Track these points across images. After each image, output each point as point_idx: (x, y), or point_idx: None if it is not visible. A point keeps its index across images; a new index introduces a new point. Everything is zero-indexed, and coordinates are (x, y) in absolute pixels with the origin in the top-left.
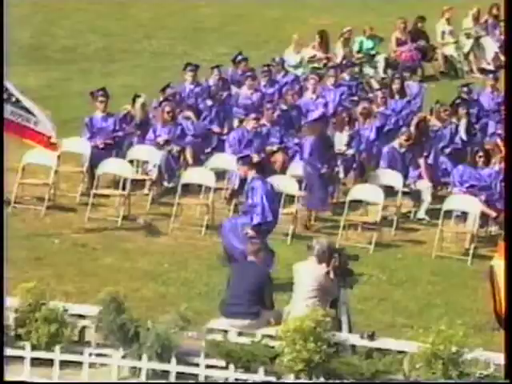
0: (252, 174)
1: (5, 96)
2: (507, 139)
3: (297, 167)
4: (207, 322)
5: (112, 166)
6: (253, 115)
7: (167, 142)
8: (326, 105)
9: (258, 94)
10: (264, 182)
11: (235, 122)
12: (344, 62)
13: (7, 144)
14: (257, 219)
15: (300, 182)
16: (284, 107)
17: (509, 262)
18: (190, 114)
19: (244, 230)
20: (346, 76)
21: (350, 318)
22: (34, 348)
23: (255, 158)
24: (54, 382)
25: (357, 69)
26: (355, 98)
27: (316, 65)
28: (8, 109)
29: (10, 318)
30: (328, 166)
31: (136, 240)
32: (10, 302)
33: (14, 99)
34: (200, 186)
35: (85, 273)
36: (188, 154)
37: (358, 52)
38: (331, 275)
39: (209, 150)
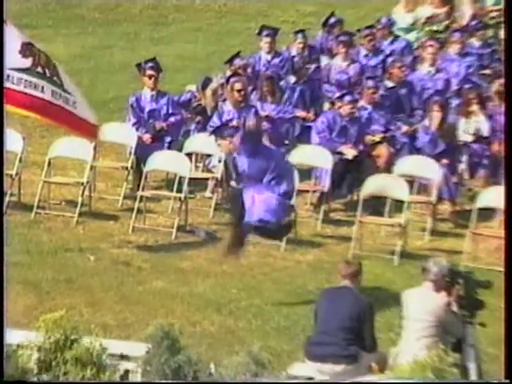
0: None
1: (39, 69)
2: (507, 137)
3: (407, 163)
4: (288, 366)
5: (164, 161)
6: (348, 97)
7: (237, 129)
8: (447, 81)
9: (355, 66)
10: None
11: (325, 104)
12: (473, 22)
13: (29, 132)
14: None
15: (411, 182)
16: (390, 84)
17: (509, 262)
18: (266, 92)
19: None
20: (475, 42)
21: (480, 366)
22: None
23: (351, 153)
24: (55, 382)
25: (491, 32)
26: (488, 72)
27: (435, 27)
28: (49, 88)
29: (31, 358)
30: (450, 162)
31: (195, 258)
32: (32, 337)
33: (48, 73)
34: None
35: (128, 300)
36: None
37: (493, 9)
38: (454, 308)
39: (290, 139)
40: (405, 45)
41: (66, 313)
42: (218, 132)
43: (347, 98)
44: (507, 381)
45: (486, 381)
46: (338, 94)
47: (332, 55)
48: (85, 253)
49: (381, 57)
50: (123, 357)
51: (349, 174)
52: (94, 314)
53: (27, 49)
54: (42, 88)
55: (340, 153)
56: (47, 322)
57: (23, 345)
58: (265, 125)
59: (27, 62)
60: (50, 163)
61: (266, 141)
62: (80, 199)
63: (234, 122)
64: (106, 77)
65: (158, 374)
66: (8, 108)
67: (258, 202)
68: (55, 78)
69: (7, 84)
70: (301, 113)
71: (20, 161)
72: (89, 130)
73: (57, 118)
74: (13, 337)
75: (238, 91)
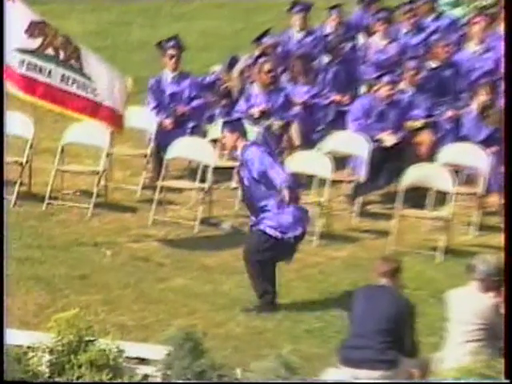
0: (243, 142)
1: (49, 51)
2: (507, 135)
3: (452, 151)
4: (320, 371)
5: (187, 149)
6: (387, 78)
7: (265, 115)
8: (497, 61)
9: (395, 45)
10: (260, 147)
11: (362, 87)
12: None
13: (41, 116)
14: None
15: (456, 172)
16: (434, 65)
17: (509, 261)
18: (297, 73)
19: None
20: None
21: None
22: None
23: (390, 140)
24: (55, 382)
25: None
26: None
27: (484, 2)
28: (58, 72)
29: (42, 361)
30: (500, 150)
31: (219, 253)
32: (43, 338)
33: (62, 56)
34: (310, 176)
35: (148, 298)
36: (294, 131)
37: None
38: (503, 310)
39: (323, 125)
40: (450, 21)
41: (79, 312)
42: (228, 124)
43: (386, 79)
44: (507, 381)
45: (486, 381)
46: (375, 75)
47: (370, 33)
48: (100, 247)
49: (423, 35)
50: (142, 360)
51: (387, 162)
52: (110, 314)
53: (37, 28)
54: (49, 72)
55: (378, 140)
56: (59, 321)
57: (34, 346)
58: (296, 109)
59: (34, 43)
60: (63, 150)
61: (296, 128)
62: (95, 189)
63: (263, 106)
64: (123, 56)
65: (180, 379)
66: (9, 89)
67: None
68: (72, 62)
69: (9, 63)
70: (335, 96)
71: (30, 147)
72: (110, 119)
73: (66, 104)
74: (23, 338)
75: (267, 72)
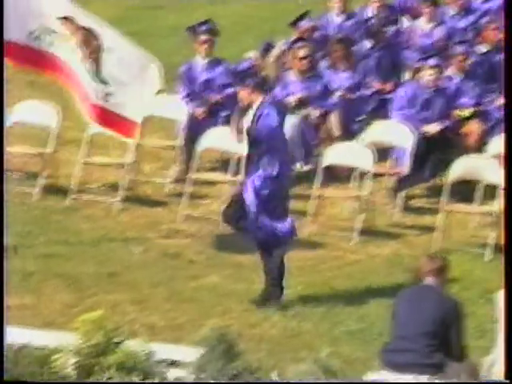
0: (260, 98)
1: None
2: (507, 135)
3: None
4: (362, 375)
5: (219, 139)
6: (433, 61)
7: (302, 103)
8: None
9: (442, 29)
10: (278, 107)
11: (406, 73)
12: None
13: (66, 104)
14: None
15: None
16: (483, 50)
17: (509, 261)
18: (337, 59)
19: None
20: None
21: None
22: None
23: (435, 130)
24: (56, 382)
25: None
26: None
27: None
28: None
29: (67, 363)
30: None
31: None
32: (69, 339)
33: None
34: (351, 169)
35: (179, 297)
36: (333, 120)
37: None
38: None
39: (365, 115)
40: (501, 2)
41: (107, 312)
42: (237, 79)
43: (431, 63)
44: (507, 381)
45: (487, 381)
46: (419, 58)
47: (414, 16)
48: (129, 243)
49: (472, 17)
50: (173, 362)
51: (433, 154)
52: (139, 314)
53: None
54: None
55: (423, 130)
56: (86, 322)
57: (59, 348)
58: (336, 97)
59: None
60: (89, 140)
61: (336, 117)
62: (123, 182)
63: (300, 95)
64: (152, 42)
65: (214, 382)
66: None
67: None
68: (86, 63)
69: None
70: (378, 84)
71: (55, 138)
72: (121, 127)
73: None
74: (48, 338)
75: (304, 58)
